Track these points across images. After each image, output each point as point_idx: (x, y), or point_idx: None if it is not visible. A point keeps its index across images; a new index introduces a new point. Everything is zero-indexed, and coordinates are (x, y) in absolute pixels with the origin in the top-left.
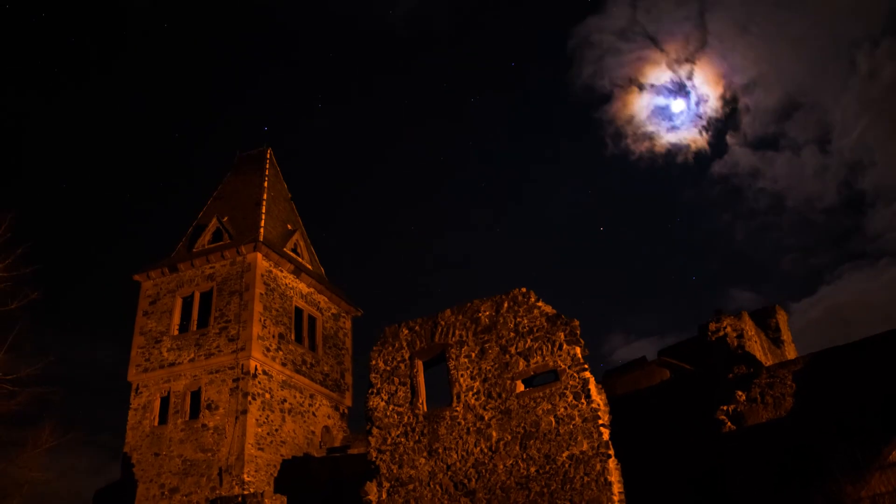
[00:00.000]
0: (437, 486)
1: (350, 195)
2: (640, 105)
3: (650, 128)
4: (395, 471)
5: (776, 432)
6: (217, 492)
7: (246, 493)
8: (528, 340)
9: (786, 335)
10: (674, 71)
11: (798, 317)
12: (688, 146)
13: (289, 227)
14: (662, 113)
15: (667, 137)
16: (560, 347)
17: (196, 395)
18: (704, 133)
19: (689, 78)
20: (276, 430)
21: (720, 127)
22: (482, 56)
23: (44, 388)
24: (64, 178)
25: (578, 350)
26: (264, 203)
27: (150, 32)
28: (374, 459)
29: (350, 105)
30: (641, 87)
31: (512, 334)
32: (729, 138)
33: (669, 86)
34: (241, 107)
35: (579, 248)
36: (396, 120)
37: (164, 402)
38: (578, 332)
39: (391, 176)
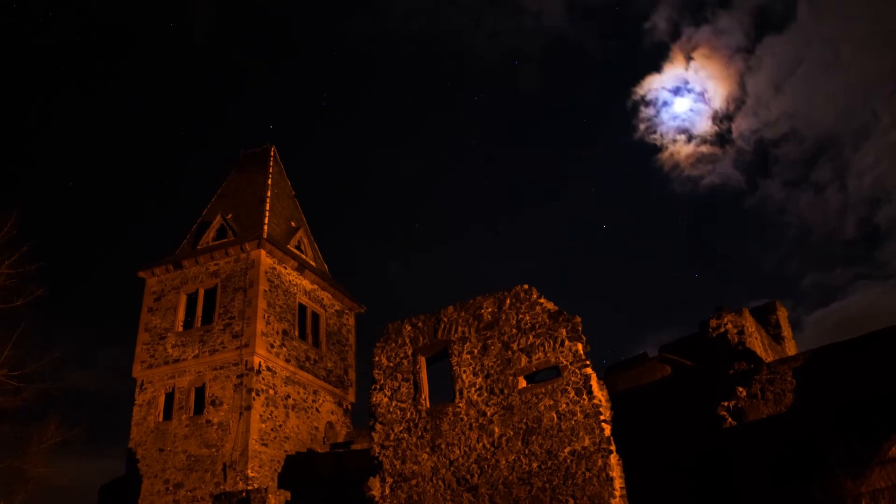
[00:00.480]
0: (440, 482)
1: (353, 192)
2: (687, 152)
3: (693, 172)
4: (398, 466)
5: (776, 427)
6: (221, 487)
7: (250, 488)
8: (531, 337)
9: (786, 331)
10: (717, 124)
11: (811, 328)
12: (724, 186)
13: (292, 224)
14: (705, 158)
15: (708, 178)
16: (562, 344)
17: (200, 392)
18: (739, 174)
19: (729, 130)
20: (280, 425)
21: (753, 170)
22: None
23: (49, 384)
24: (69, 176)
25: (580, 346)
26: (268, 200)
27: (156, 31)
28: (377, 455)
29: (354, 103)
30: (690, 138)
31: (514, 331)
32: (761, 179)
33: (712, 138)
34: (245, 105)
35: (581, 245)
36: (400, 118)
37: (169, 398)
38: (580, 328)
39: (394, 173)
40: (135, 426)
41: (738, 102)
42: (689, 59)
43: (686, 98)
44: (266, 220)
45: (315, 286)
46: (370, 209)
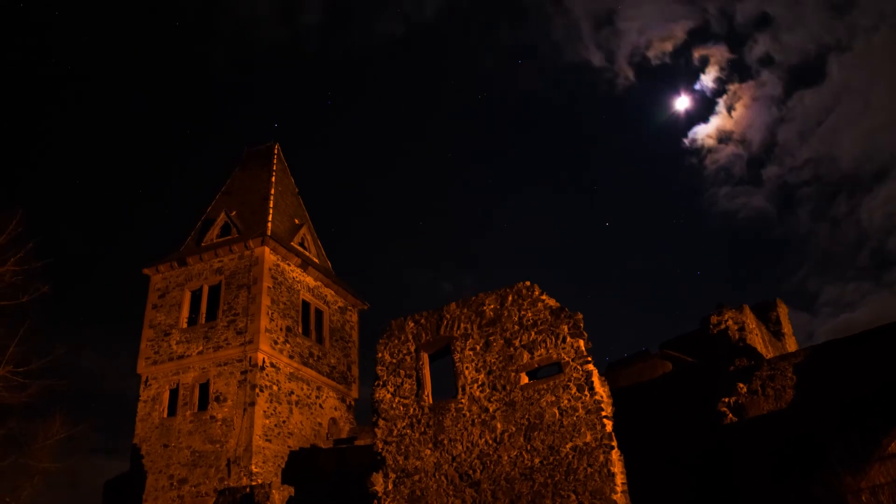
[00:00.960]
0: (443, 477)
1: (357, 190)
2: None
3: (729, 206)
4: (400, 462)
5: (777, 423)
6: (225, 483)
7: (254, 483)
8: (533, 333)
9: (786, 328)
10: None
11: (824, 337)
12: (756, 219)
13: (296, 221)
14: (741, 194)
15: (743, 212)
16: (564, 340)
17: (205, 388)
18: (771, 207)
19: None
20: (284, 421)
21: (782, 206)
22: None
23: (54, 380)
24: (74, 173)
25: (582, 343)
26: (272, 198)
27: (161, 30)
28: (380, 451)
29: (358, 101)
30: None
31: (516, 327)
32: (788, 213)
33: (747, 178)
34: (249, 103)
35: (584, 242)
36: (403, 116)
37: (173, 394)
38: (582, 325)
39: (398, 170)
40: (139, 422)
41: (770, 148)
42: (730, 109)
43: (728, 144)
44: (270, 218)
45: (318, 283)
46: (373, 206)
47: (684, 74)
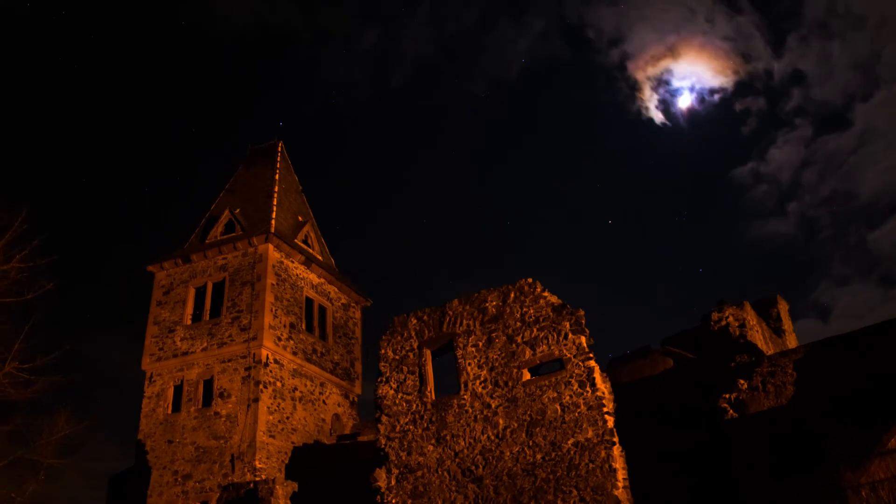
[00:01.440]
0: (445, 473)
1: (360, 187)
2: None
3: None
4: (403, 457)
5: (777, 419)
6: (229, 478)
7: (257, 479)
8: (535, 330)
9: (787, 325)
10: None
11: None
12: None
13: (300, 218)
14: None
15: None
16: (565, 337)
17: (209, 384)
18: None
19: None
20: (287, 417)
21: (807, 232)
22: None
23: (59, 376)
24: (80, 172)
25: (583, 339)
26: (275, 195)
27: (168, 28)
28: (383, 446)
29: (363, 99)
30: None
31: (518, 324)
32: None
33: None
34: (253, 100)
35: (587, 239)
36: (407, 113)
37: (178, 390)
38: (583, 321)
39: (402, 168)
40: (144, 418)
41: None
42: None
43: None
44: (273, 215)
45: (322, 280)
46: (377, 204)
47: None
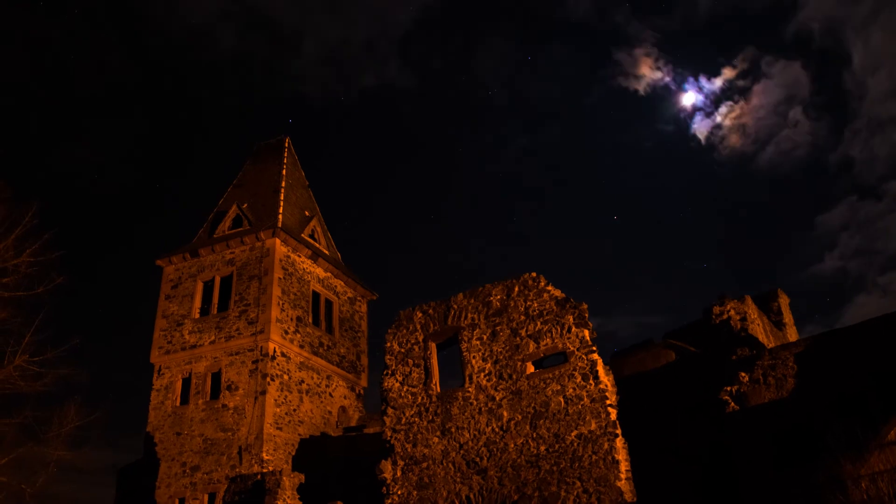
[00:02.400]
0: (450, 465)
1: (366, 183)
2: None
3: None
4: (409, 449)
5: (778, 412)
6: (237, 470)
7: (265, 471)
8: (538, 323)
9: (787, 318)
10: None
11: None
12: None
13: (306, 213)
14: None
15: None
16: (569, 330)
17: (217, 377)
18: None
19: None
20: (294, 410)
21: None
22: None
23: (69, 369)
24: (90, 167)
25: (587, 332)
26: (282, 190)
27: (174, 27)
28: (388, 438)
29: (367, 97)
30: None
31: (522, 317)
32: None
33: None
34: (259, 97)
35: (591, 235)
36: (410, 111)
37: (186, 383)
38: (587, 315)
39: (406, 164)
40: (152, 410)
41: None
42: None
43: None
44: (280, 210)
45: (328, 274)
46: (383, 198)
47: None
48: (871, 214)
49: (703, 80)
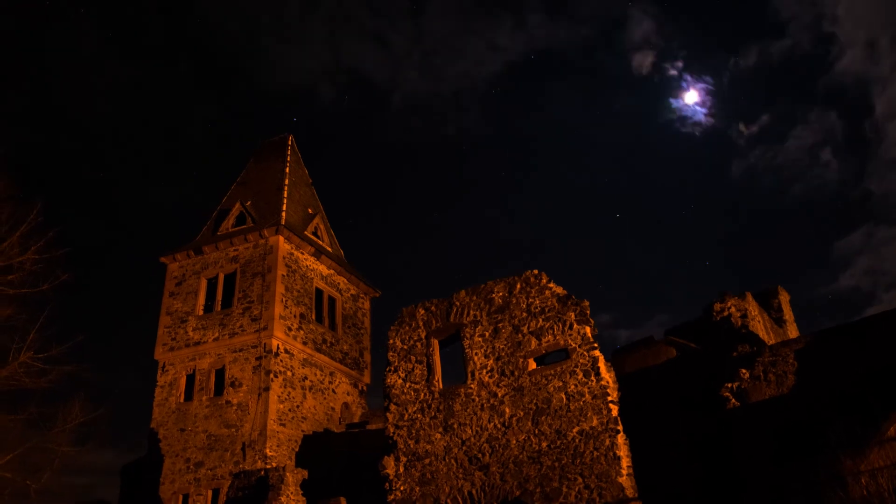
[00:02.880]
0: (453, 461)
1: (369, 180)
2: None
3: None
4: (411, 445)
5: (778, 408)
6: (241, 466)
7: (268, 466)
8: (540, 320)
9: (788, 315)
10: None
11: None
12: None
13: (309, 211)
14: None
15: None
16: (570, 327)
17: (220, 373)
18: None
19: None
20: (298, 406)
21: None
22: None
23: (73, 365)
24: (94, 165)
25: (588, 329)
26: (286, 188)
27: (181, 26)
28: (391, 435)
29: (372, 94)
30: None
31: (524, 314)
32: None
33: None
34: (264, 95)
35: (593, 232)
36: (414, 108)
37: (190, 379)
38: (588, 312)
39: (409, 161)
40: (156, 407)
41: None
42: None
43: None
44: (284, 208)
45: (331, 271)
46: (386, 196)
47: None
48: (884, 239)
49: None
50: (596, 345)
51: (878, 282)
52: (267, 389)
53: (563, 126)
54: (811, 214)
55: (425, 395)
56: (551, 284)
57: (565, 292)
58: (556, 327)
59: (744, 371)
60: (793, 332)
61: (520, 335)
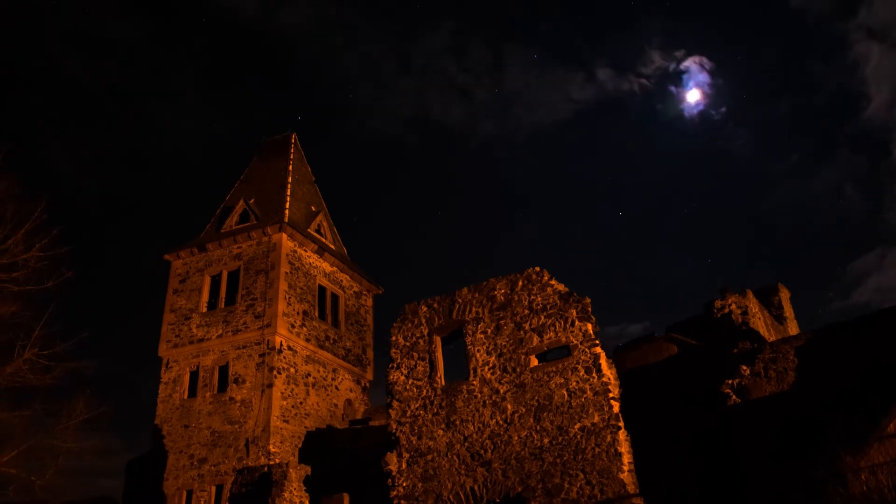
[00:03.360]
0: (455, 457)
1: (372, 178)
2: None
3: None
4: (414, 442)
5: (779, 405)
6: (244, 462)
7: (272, 463)
8: (542, 317)
9: (788, 312)
10: None
11: None
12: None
13: (312, 208)
14: None
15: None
16: (572, 324)
17: (224, 370)
18: None
19: None
20: (301, 402)
21: None
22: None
23: (78, 362)
24: (99, 162)
25: (590, 326)
26: (289, 186)
27: (187, 24)
28: (394, 431)
29: (376, 91)
30: None
31: (526, 311)
32: None
33: None
34: (268, 92)
35: (596, 230)
36: (416, 105)
37: (194, 376)
38: (589, 309)
39: (412, 159)
40: (160, 403)
41: None
42: None
43: None
44: (287, 205)
45: (334, 268)
46: (389, 194)
47: None
48: (894, 261)
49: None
50: (597, 341)
51: (887, 298)
52: (270, 386)
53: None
54: (832, 238)
55: (428, 391)
56: (553, 282)
57: (567, 289)
58: (557, 324)
59: (744, 368)
60: (793, 329)
61: (522, 332)
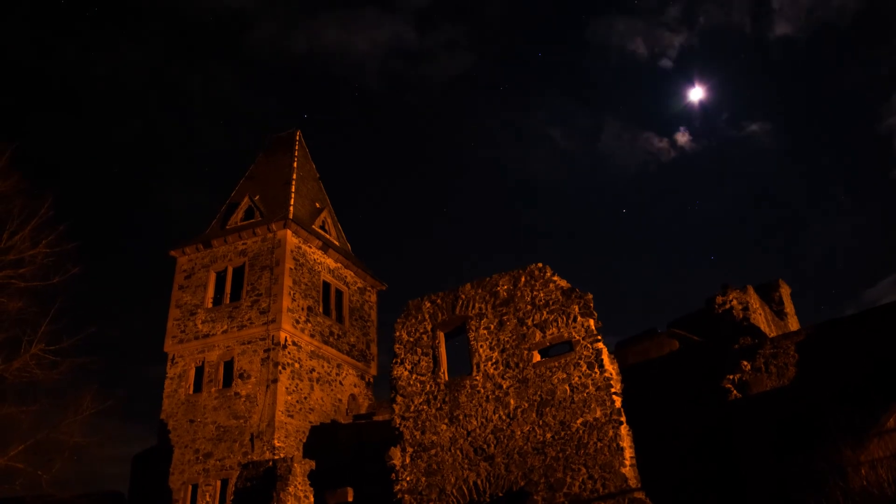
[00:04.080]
0: (458, 451)
1: (376, 174)
2: None
3: None
4: (417, 436)
5: (779, 400)
6: (249, 456)
7: (276, 457)
8: (544, 313)
9: (789, 308)
10: None
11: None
12: None
13: (317, 205)
14: None
15: None
16: (574, 319)
17: (229, 365)
18: None
19: None
20: (305, 398)
21: None
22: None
23: (84, 357)
24: (105, 159)
25: (592, 322)
26: (293, 182)
27: (192, 23)
28: (398, 426)
29: (378, 92)
30: None
31: (529, 307)
32: None
33: None
34: (271, 91)
35: (597, 227)
36: (418, 104)
37: (199, 371)
38: (592, 304)
39: (414, 157)
40: (166, 398)
41: None
42: None
43: None
44: (292, 202)
45: (339, 264)
46: (393, 190)
47: None
48: None
49: None
50: (599, 337)
51: None
52: (275, 381)
53: None
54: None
55: (431, 386)
56: (555, 277)
57: (569, 285)
58: (560, 320)
59: (745, 363)
60: (794, 324)
61: (524, 328)
